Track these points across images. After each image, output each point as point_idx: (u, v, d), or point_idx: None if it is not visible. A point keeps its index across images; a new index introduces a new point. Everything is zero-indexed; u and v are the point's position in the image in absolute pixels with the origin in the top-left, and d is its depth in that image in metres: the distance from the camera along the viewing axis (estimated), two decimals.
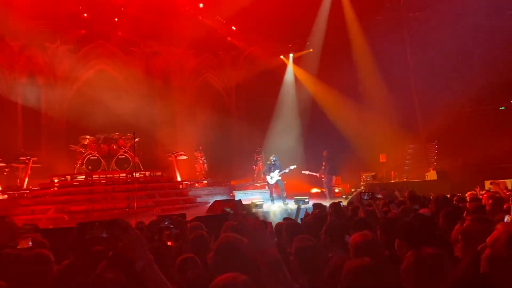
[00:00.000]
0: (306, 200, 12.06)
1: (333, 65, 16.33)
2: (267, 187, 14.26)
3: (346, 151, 14.93)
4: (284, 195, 12.93)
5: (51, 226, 10.25)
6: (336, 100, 16.83)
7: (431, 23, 15.47)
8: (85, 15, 17.42)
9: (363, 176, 15.17)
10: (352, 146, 15.39)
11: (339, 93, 16.56)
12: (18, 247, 3.48)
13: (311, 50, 18.21)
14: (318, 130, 16.99)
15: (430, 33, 15.56)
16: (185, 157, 17.08)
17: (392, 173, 15.48)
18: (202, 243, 4.07)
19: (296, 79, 18.53)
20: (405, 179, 15.17)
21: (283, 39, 17.88)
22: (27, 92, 17.96)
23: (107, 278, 2.33)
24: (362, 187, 13.83)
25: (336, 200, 7.81)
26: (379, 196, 6.75)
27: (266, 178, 13.39)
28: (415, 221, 3.21)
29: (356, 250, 3.10)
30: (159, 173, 15.66)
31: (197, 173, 17.47)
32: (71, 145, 15.50)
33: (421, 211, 5.44)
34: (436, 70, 15.56)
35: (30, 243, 3.46)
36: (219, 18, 18.17)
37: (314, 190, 15.53)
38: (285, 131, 17.34)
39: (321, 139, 15.89)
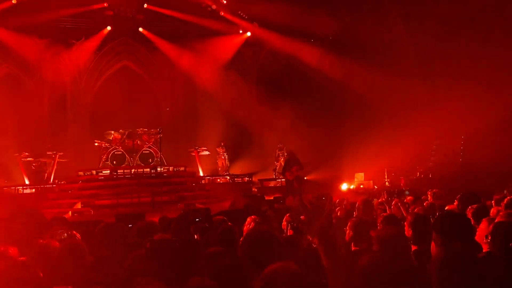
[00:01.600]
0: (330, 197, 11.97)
1: (362, 55, 16.06)
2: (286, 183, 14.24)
3: (370, 146, 14.71)
4: (301, 190, 12.89)
5: (77, 220, 10.49)
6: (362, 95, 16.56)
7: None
8: (110, 12, 17.61)
9: (387, 173, 15.01)
10: (377, 140, 15.11)
11: (366, 87, 16.24)
12: (54, 238, 3.60)
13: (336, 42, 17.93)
14: (343, 127, 16.76)
15: None
16: (207, 153, 17.26)
17: (418, 169, 15.26)
18: (230, 236, 4.13)
19: (322, 72, 18.20)
20: (430, 175, 14.94)
21: (307, 32, 17.63)
22: (53, 88, 18.39)
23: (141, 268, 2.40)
24: (387, 183, 13.70)
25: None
26: (407, 192, 6.71)
27: (285, 174, 13.36)
28: (450, 216, 3.22)
29: (381, 244, 3.12)
30: (182, 168, 15.89)
31: (219, 168, 17.61)
32: (96, 140, 15.85)
33: (448, 207, 5.38)
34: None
35: (65, 234, 3.58)
36: (241, 14, 18.17)
37: (344, 188, 15.37)
38: (310, 126, 17.18)
39: (346, 135, 15.71)
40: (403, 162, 14.93)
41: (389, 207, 5.58)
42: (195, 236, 5.23)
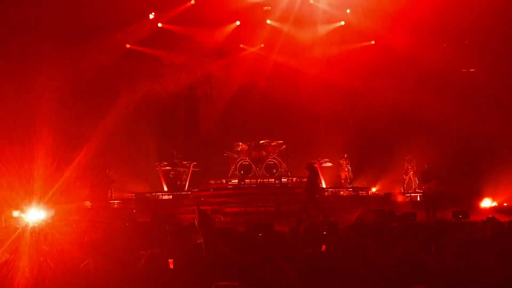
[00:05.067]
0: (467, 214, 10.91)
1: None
2: (422, 197, 13.33)
3: None
4: (435, 207, 11.97)
5: None
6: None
7: None
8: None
9: None
10: None
11: None
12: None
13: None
14: (485, 135, 15.10)
15: None
16: (330, 164, 17.10)
17: None
18: (361, 253, 4.01)
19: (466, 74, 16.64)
20: None
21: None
22: (187, 103, 20.01)
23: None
24: None
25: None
26: None
27: (424, 188, 12.51)
28: None
29: None
30: (305, 179, 15.93)
31: (342, 181, 17.31)
32: (226, 151, 16.82)
33: None
34: None
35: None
36: (366, 22, 17.71)
37: (485, 204, 13.94)
38: (442, 135, 15.89)
39: (489, 143, 14.18)
40: None
41: None
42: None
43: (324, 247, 5.14)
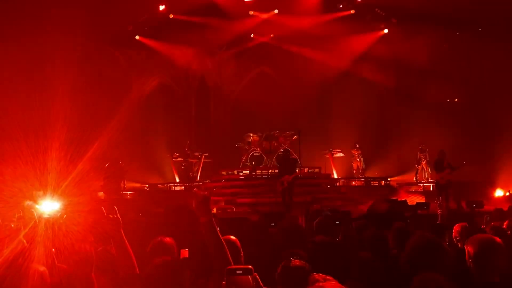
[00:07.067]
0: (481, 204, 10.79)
1: None
2: (435, 187, 13.18)
3: None
4: (448, 196, 11.86)
5: (222, 216, 11.19)
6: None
7: None
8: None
9: None
10: None
11: None
12: None
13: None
14: (500, 122, 14.81)
15: None
16: (341, 155, 17.05)
17: None
18: (380, 243, 3.98)
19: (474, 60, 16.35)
20: None
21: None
22: (198, 94, 20.04)
23: None
24: None
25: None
26: None
27: (437, 178, 12.36)
28: None
29: None
30: (317, 170, 15.98)
31: (354, 171, 17.26)
32: (237, 142, 16.86)
33: None
34: None
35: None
36: (378, 11, 17.48)
37: (498, 194, 13.79)
38: (456, 124, 15.65)
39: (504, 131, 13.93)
40: None
41: None
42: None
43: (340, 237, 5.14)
